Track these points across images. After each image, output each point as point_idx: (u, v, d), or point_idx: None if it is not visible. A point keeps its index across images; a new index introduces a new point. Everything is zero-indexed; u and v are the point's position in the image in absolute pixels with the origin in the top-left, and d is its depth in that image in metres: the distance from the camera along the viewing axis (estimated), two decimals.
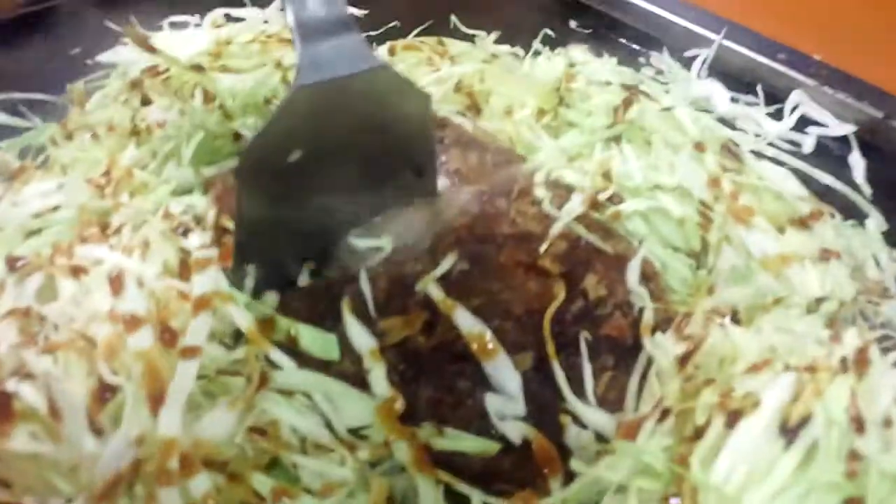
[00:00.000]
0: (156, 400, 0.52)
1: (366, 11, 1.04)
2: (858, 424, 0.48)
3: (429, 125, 0.65)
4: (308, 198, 0.61)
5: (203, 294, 0.58)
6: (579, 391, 0.58)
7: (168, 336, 0.56)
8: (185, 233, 0.65)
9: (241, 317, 0.59)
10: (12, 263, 0.63)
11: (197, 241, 0.64)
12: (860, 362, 0.51)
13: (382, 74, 0.58)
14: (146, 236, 0.63)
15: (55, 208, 0.69)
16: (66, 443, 0.52)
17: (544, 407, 0.57)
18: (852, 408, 0.48)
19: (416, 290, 0.61)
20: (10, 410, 0.52)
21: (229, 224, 0.66)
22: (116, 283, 0.59)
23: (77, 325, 0.57)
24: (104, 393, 0.54)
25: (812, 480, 0.46)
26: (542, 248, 0.64)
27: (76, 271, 0.61)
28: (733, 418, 0.50)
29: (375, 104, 0.59)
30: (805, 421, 0.48)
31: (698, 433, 0.51)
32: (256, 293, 0.62)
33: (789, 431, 0.48)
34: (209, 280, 0.60)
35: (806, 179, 0.83)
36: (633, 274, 0.65)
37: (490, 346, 0.58)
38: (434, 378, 0.59)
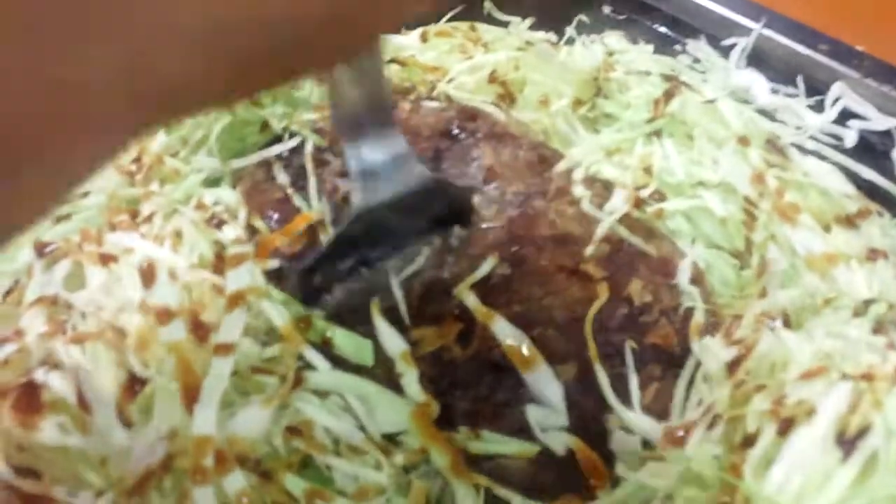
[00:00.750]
0: (189, 395, 0.51)
1: None
2: None
3: (471, 211, 0.67)
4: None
5: (238, 289, 0.57)
6: (624, 401, 0.56)
7: (201, 331, 0.55)
8: (219, 225, 0.64)
9: (277, 314, 0.57)
10: (40, 249, 0.62)
11: (232, 234, 0.63)
12: None
13: (432, 185, 0.61)
14: (178, 226, 0.61)
15: (84, 194, 0.68)
16: (96, 435, 0.51)
17: (588, 416, 0.56)
18: None
19: (453, 296, 0.60)
20: (39, 401, 0.51)
21: (260, 225, 0.65)
22: (148, 273, 0.58)
23: (106, 315, 0.56)
24: (134, 385, 0.53)
25: (871, 494, 0.45)
26: (588, 251, 0.62)
27: (105, 259, 0.60)
28: (786, 426, 0.49)
29: (425, 208, 0.62)
30: (863, 432, 0.47)
31: (749, 441, 0.50)
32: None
33: (846, 442, 0.46)
34: (245, 275, 0.58)
35: (848, 175, 0.81)
36: (683, 275, 0.63)
37: (530, 356, 0.56)
38: (471, 389, 0.57)
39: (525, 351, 0.57)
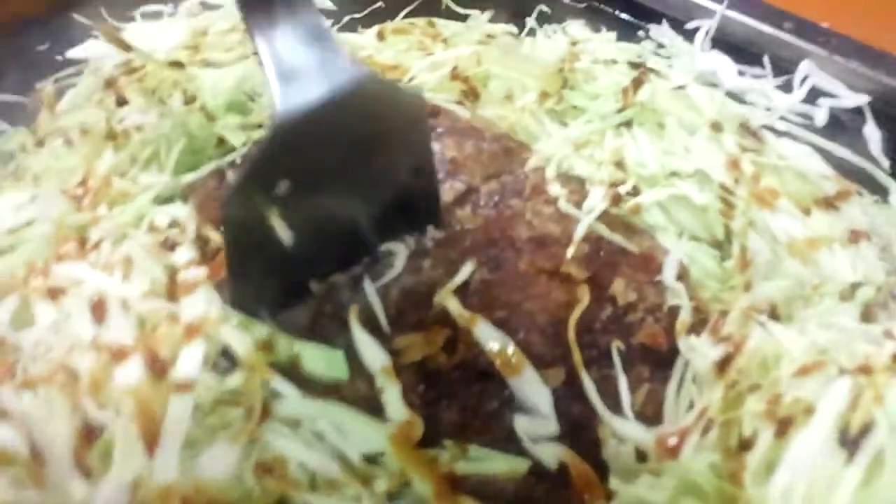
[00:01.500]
0: (150, 440, 0.48)
1: None
2: None
3: (426, 127, 0.60)
4: (304, 227, 0.55)
5: (193, 320, 0.53)
6: (615, 406, 0.54)
7: (158, 366, 0.51)
8: (172, 247, 0.60)
9: (237, 341, 0.53)
10: None
11: (185, 257, 0.59)
12: None
13: (369, 85, 0.52)
14: (128, 253, 0.57)
15: (29, 223, 0.64)
16: (53, 487, 0.48)
17: (579, 424, 0.53)
18: None
19: (434, 302, 0.56)
20: None
21: (213, 235, 0.61)
22: (98, 308, 0.53)
23: (57, 355, 0.52)
24: (91, 431, 0.49)
25: (881, 495, 0.43)
26: (569, 252, 0.60)
27: (54, 293, 0.56)
28: (784, 427, 0.46)
29: (366, 117, 0.53)
30: (867, 429, 0.44)
31: (746, 445, 0.47)
32: (253, 312, 0.56)
33: (850, 442, 0.44)
34: (199, 302, 0.54)
35: (821, 154, 0.79)
36: (669, 272, 0.60)
37: (515, 361, 0.53)
38: (457, 399, 0.54)
39: (510, 355, 0.54)
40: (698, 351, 0.54)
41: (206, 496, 0.47)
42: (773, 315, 0.56)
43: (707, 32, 0.94)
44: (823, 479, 0.43)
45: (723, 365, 0.52)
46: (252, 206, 0.52)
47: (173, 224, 0.63)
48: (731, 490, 0.45)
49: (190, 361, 0.51)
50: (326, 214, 0.56)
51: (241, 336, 0.54)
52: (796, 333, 0.53)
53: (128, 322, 0.53)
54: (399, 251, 0.59)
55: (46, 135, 0.73)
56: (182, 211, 0.64)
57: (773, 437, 0.46)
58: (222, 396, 0.52)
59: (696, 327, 0.58)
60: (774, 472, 0.44)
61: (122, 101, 0.73)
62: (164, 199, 0.67)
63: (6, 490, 0.47)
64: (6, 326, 0.55)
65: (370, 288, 0.57)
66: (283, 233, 0.53)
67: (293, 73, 0.49)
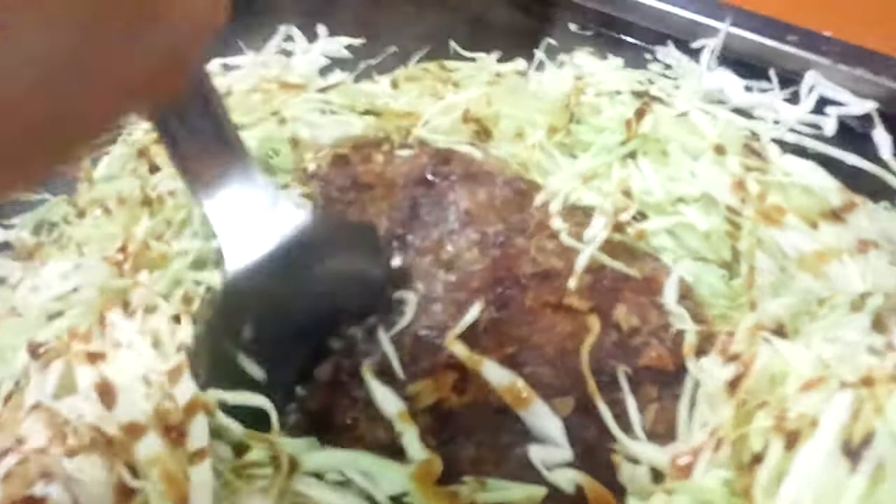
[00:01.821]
0: (182, 502, 0.51)
1: (363, 41, 1.03)
2: None
3: (379, 249, 0.65)
4: (275, 351, 0.60)
5: (188, 401, 0.57)
6: (626, 428, 0.56)
7: (176, 434, 0.55)
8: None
9: (232, 425, 0.57)
10: (34, 350, 0.63)
11: (184, 335, 0.62)
12: None
13: (311, 224, 0.56)
14: (155, 328, 0.62)
15: (75, 289, 0.69)
16: None
17: (592, 449, 0.56)
18: None
19: (444, 346, 0.60)
20: None
21: None
22: (106, 395, 0.57)
23: (92, 421, 0.56)
24: (129, 489, 0.53)
25: (884, 502, 0.44)
26: (571, 283, 0.62)
27: (93, 358, 0.60)
28: (791, 441, 0.48)
29: (312, 251, 0.58)
30: (868, 440, 0.46)
31: (755, 460, 0.49)
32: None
33: (852, 453, 0.46)
34: (190, 384, 0.58)
35: (832, 162, 0.80)
36: (670, 294, 0.63)
37: (524, 395, 0.56)
38: (473, 436, 0.57)
39: (519, 389, 0.57)
40: (707, 371, 0.56)
41: None
42: (780, 331, 0.58)
43: (712, 51, 0.96)
44: (829, 489, 0.45)
45: (733, 384, 0.54)
46: (219, 352, 0.57)
47: (207, 290, 0.67)
48: None
49: (198, 435, 0.55)
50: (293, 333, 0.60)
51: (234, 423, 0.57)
52: (802, 348, 0.55)
53: (137, 401, 0.57)
54: (409, 299, 0.63)
55: (86, 204, 0.78)
56: (216, 277, 0.67)
57: (783, 450, 0.48)
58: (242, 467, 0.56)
59: (704, 346, 0.60)
60: (782, 485, 0.46)
61: (154, 169, 0.78)
62: (199, 265, 0.70)
63: None
64: (52, 390, 0.59)
65: (384, 338, 0.61)
66: (254, 370, 0.57)
67: (240, 229, 0.53)
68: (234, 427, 0.56)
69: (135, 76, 0.27)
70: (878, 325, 0.59)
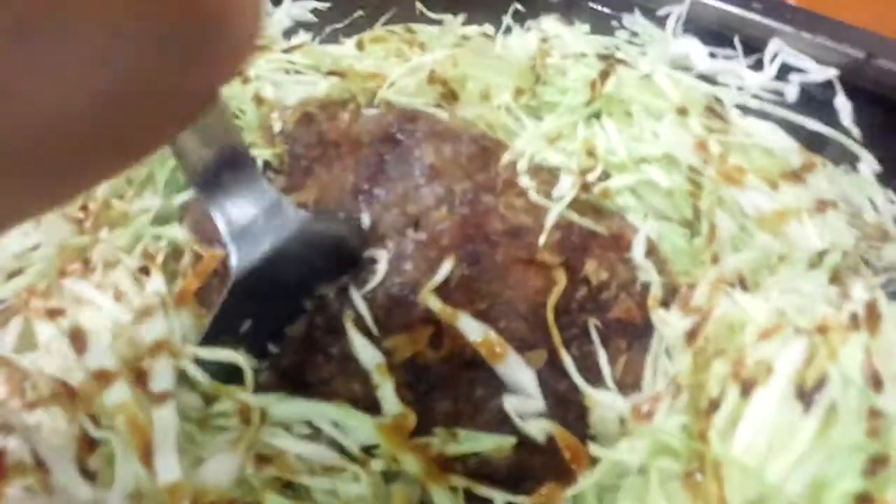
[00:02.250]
0: (144, 450, 0.52)
1: (329, 4, 1.03)
2: (875, 382, 0.47)
3: (360, 235, 0.66)
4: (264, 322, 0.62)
5: (154, 340, 0.57)
6: (597, 379, 0.57)
7: (142, 379, 0.55)
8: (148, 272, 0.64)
9: (196, 373, 0.57)
10: None
11: (154, 285, 0.63)
12: (871, 317, 0.50)
13: (308, 227, 0.59)
14: (116, 282, 0.61)
15: (35, 247, 0.68)
16: (61, 493, 0.51)
17: (564, 400, 0.57)
18: (867, 366, 0.47)
19: (419, 302, 0.60)
20: (2, 467, 0.51)
21: (202, 252, 0.65)
22: (78, 340, 0.57)
23: (54, 373, 0.56)
24: (91, 440, 0.53)
25: (834, 443, 0.46)
26: (541, 240, 0.63)
27: (52, 314, 0.60)
28: (748, 387, 0.49)
29: (308, 249, 0.60)
30: (821, 384, 0.47)
31: (713, 406, 0.50)
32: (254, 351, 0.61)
33: (806, 396, 0.47)
34: (157, 327, 0.59)
35: (794, 128, 0.82)
36: (638, 249, 0.63)
37: (498, 349, 0.57)
38: (449, 390, 0.57)
39: (493, 343, 0.58)
40: (669, 323, 0.57)
41: (212, 499, 0.51)
42: (741, 285, 0.59)
43: (678, 18, 0.97)
44: (782, 431, 0.46)
45: (691, 334, 0.55)
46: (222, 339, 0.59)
47: (170, 244, 0.66)
48: (700, 447, 0.48)
49: (161, 376, 0.55)
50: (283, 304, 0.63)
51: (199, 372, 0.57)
52: (761, 300, 0.56)
53: (109, 350, 0.56)
54: (381, 257, 0.63)
55: None
56: (178, 232, 0.67)
57: (739, 397, 0.49)
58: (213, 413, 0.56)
59: (668, 300, 0.61)
60: (738, 428, 0.47)
61: None
62: (161, 221, 0.70)
63: (20, 499, 0.51)
64: (11, 347, 0.58)
65: (357, 296, 0.61)
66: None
67: (244, 231, 0.56)
68: (203, 378, 0.56)
69: (195, 93, 0.27)
70: (836, 281, 0.60)
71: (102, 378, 0.54)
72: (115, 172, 0.29)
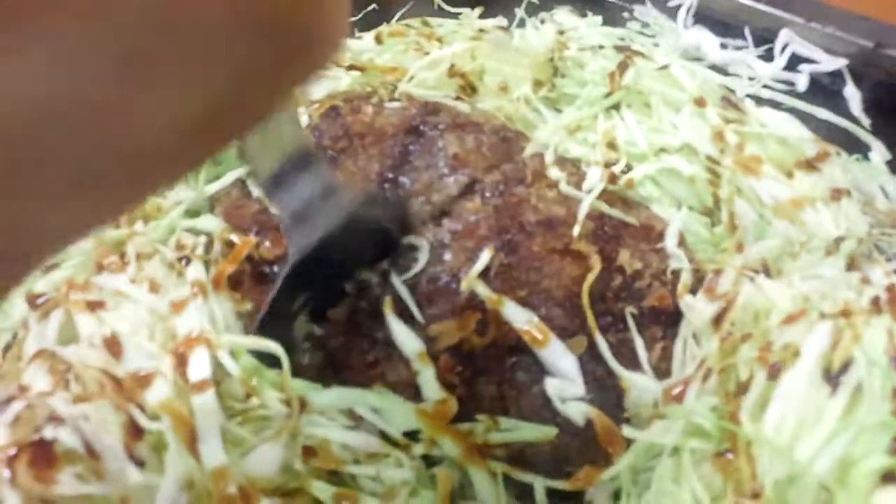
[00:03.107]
0: (190, 440, 0.53)
1: None
2: None
3: (409, 219, 0.67)
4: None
5: (187, 335, 0.59)
6: (634, 364, 0.59)
7: (184, 363, 0.57)
8: (188, 262, 0.65)
9: (229, 364, 0.59)
10: (33, 301, 0.63)
11: (194, 273, 0.64)
12: (892, 300, 0.52)
13: (362, 210, 0.60)
14: (151, 274, 0.63)
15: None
16: (112, 479, 0.53)
17: (601, 384, 0.58)
18: (891, 347, 0.50)
19: (462, 289, 0.61)
20: (54, 456, 0.53)
21: (236, 239, 0.67)
22: (114, 346, 0.58)
23: (100, 364, 0.57)
24: (138, 427, 0.55)
25: (860, 422, 0.48)
26: (575, 230, 0.64)
27: (93, 306, 0.61)
28: (775, 370, 0.51)
29: (358, 232, 0.60)
30: (847, 366, 0.49)
31: (742, 388, 0.52)
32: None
33: (832, 378, 0.49)
34: (192, 318, 0.60)
35: (804, 118, 0.83)
36: (671, 239, 0.65)
37: (541, 335, 0.58)
38: (494, 374, 0.59)
39: (536, 330, 0.59)
40: (696, 308, 0.59)
41: (258, 486, 0.52)
42: (765, 272, 0.61)
43: (689, 9, 0.98)
44: (810, 412, 0.48)
45: (718, 319, 0.57)
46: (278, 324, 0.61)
47: (199, 234, 0.68)
48: (731, 428, 0.50)
49: (198, 367, 0.57)
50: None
51: (230, 361, 0.59)
52: (784, 286, 0.57)
53: (142, 354, 0.58)
54: (421, 245, 0.64)
55: None
56: (212, 223, 0.69)
57: (766, 379, 0.51)
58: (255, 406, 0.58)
59: (695, 287, 0.63)
60: (767, 409, 0.49)
61: None
62: (193, 213, 0.72)
63: (74, 484, 0.52)
64: (54, 339, 0.60)
65: (398, 281, 0.62)
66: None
67: (300, 217, 0.57)
68: (236, 370, 0.58)
69: (279, 94, 0.28)
70: (852, 267, 0.62)
71: (142, 381, 0.56)
72: (189, 171, 0.30)
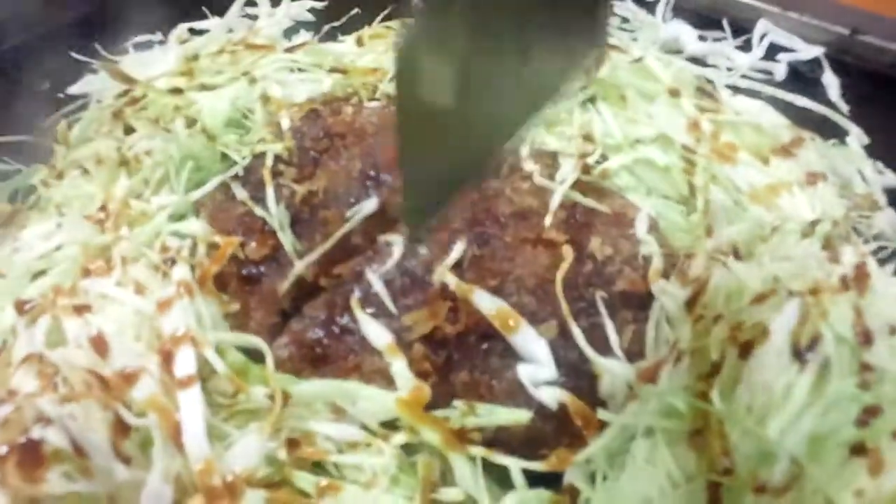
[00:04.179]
0: (175, 435, 0.55)
1: (325, 3, 1.05)
2: (865, 337, 0.50)
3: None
4: (469, 97, 0.47)
5: (173, 333, 0.60)
6: (606, 348, 0.60)
7: (170, 360, 0.59)
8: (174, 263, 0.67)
9: (215, 360, 0.60)
10: (21, 307, 0.64)
11: (179, 274, 0.65)
12: (859, 278, 0.53)
13: None
14: (136, 277, 0.64)
15: (58, 248, 0.70)
16: (99, 476, 0.54)
17: (575, 369, 0.59)
18: (857, 323, 0.50)
19: (433, 280, 0.62)
20: (42, 456, 0.54)
21: (220, 240, 0.68)
22: (100, 346, 0.59)
23: (85, 365, 0.58)
24: (124, 425, 0.56)
25: (829, 397, 0.48)
26: (547, 220, 0.65)
27: (79, 310, 0.62)
28: (745, 349, 0.52)
29: None
30: (815, 342, 0.50)
31: (715, 369, 0.53)
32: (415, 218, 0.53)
33: (801, 354, 0.50)
34: (178, 317, 0.61)
35: (783, 105, 0.84)
36: (641, 225, 0.66)
37: (512, 321, 0.59)
38: (467, 361, 0.60)
39: (507, 315, 0.60)
40: (669, 293, 0.60)
41: (243, 477, 0.54)
42: (735, 255, 0.62)
43: (667, 3, 0.99)
44: (779, 388, 0.49)
45: (690, 303, 0.58)
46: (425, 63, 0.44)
47: (184, 237, 0.69)
48: (703, 407, 0.51)
49: (184, 364, 0.58)
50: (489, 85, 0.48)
51: (215, 357, 0.60)
52: (755, 268, 0.58)
53: (130, 351, 0.59)
54: (396, 241, 0.66)
55: (64, 168, 0.79)
56: (196, 226, 0.70)
57: (737, 359, 0.52)
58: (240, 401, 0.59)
59: (668, 272, 0.64)
60: (738, 386, 0.50)
61: (129, 130, 0.79)
62: (178, 217, 0.73)
63: (62, 483, 0.54)
64: (42, 343, 0.61)
65: (373, 276, 0.64)
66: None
67: None
68: (219, 363, 0.59)
69: None
70: (828, 249, 0.63)
71: (128, 378, 0.57)
72: None
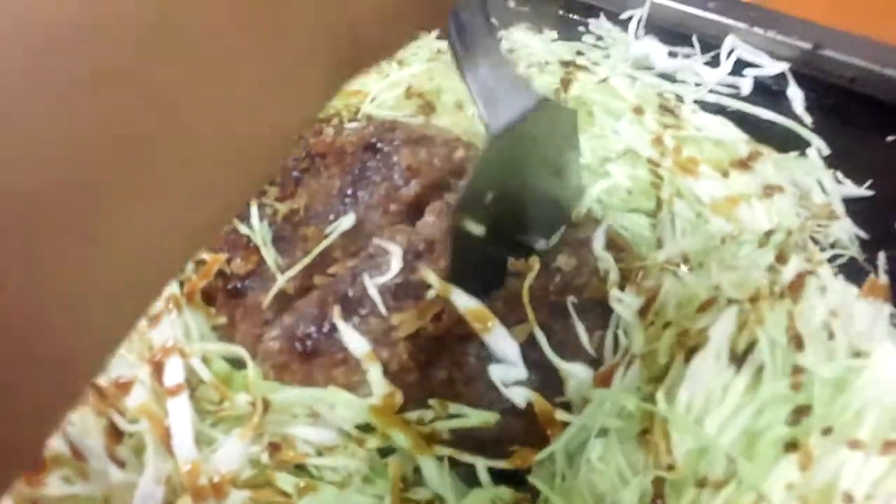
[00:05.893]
0: (165, 439, 0.59)
1: None
2: (798, 342, 0.54)
3: (576, 136, 0.71)
4: (497, 232, 0.66)
5: (162, 345, 0.64)
6: (578, 351, 0.63)
7: (160, 370, 0.63)
8: None
9: (201, 370, 0.64)
10: None
11: (167, 290, 0.68)
12: (794, 286, 0.57)
13: (543, 103, 0.62)
14: None
15: None
16: (95, 479, 0.59)
17: (546, 371, 0.63)
18: (790, 328, 0.54)
19: (417, 278, 0.66)
20: (43, 460, 0.58)
21: (207, 257, 0.72)
22: None
23: None
24: (118, 430, 0.61)
25: (762, 397, 0.53)
26: None
27: None
28: (689, 354, 0.56)
29: (542, 129, 0.64)
30: (751, 347, 0.54)
31: (664, 372, 0.57)
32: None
33: (738, 358, 0.54)
34: (167, 330, 0.65)
35: (750, 119, 0.88)
36: (598, 243, 0.70)
37: (485, 317, 0.63)
38: (445, 360, 0.64)
39: (482, 315, 0.64)
40: (623, 302, 0.64)
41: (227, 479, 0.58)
42: (689, 266, 0.66)
43: (639, 20, 1.03)
44: (717, 390, 0.53)
45: (643, 311, 0.62)
46: (471, 212, 0.63)
47: None
48: (649, 408, 0.55)
49: (172, 373, 0.62)
50: (511, 221, 0.68)
51: (202, 366, 0.64)
52: (703, 276, 0.62)
53: (128, 352, 0.64)
54: (395, 251, 0.69)
55: None
56: None
57: (682, 363, 0.56)
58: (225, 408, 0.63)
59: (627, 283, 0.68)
60: (679, 389, 0.54)
61: None
62: None
63: (61, 486, 0.58)
64: None
65: (368, 281, 0.67)
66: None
67: (494, 99, 0.59)
68: (205, 372, 0.64)
69: None
70: (781, 258, 0.67)
71: (122, 387, 0.62)
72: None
